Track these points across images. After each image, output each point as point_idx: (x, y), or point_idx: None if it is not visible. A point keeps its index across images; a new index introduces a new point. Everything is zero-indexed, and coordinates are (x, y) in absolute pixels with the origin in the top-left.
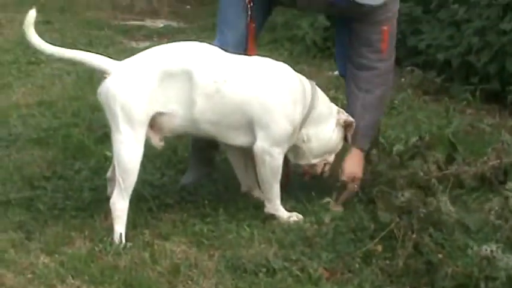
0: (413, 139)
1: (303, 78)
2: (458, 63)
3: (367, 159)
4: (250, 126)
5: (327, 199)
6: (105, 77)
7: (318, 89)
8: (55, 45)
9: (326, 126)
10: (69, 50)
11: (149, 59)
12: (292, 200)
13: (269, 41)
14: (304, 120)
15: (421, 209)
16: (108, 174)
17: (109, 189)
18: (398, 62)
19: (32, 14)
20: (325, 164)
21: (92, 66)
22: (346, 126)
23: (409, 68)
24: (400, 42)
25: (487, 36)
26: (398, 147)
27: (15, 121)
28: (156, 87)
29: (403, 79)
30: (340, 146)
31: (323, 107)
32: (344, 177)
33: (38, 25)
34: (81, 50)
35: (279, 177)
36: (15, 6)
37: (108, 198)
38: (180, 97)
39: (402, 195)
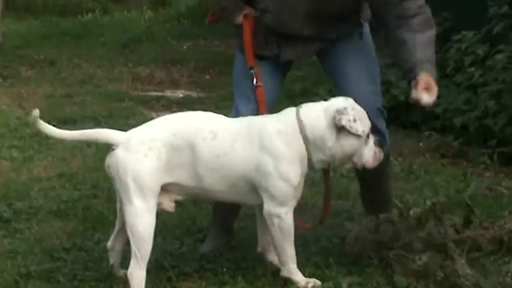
0: (428, 203)
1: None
2: (476, 127)
3: (387, 220)
4: (255, 189)
5: None
6: (113, 149)
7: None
8: (75, 119)
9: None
10: (76, 131)
11: (155, 131)
12: (311, 266)
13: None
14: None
15: (439, 272)
16: (109, 244)
17: (111, 260)
18: (416, 126)
19: (35, 114)
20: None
21: (100, 141)
22: None
23: (426, 132)
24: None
25: (503, 99)
26: (415, 210)
27: (36, 194)
28: (164, 159)
29: (421, 143)
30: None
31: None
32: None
33: (58, 98)
34: (101, 122)
35: (292, 239)
36: (36, 81)
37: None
38: (187, 169)
39: (419, 258)
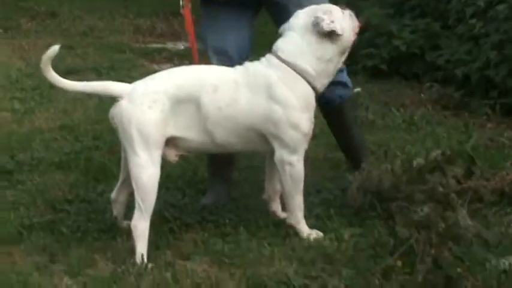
0: (433, 154)
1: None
2: (477, 77)
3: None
4: (264, 136)
5: None
6: (117, 100)
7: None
8: (78, 70)
9: None
10: (80, 83)
11: (159, 83)
12: (312, 217)
13: None
14: None
15: (440, 223)
16: (113, 195)
17: (114, 211)
18: (417, 77)
19: (54, 49)
20: None
21: (105, 93)
22: None
23: (428, 83)
24: (418, 57)
25: (505, 50)
26: (418, 161)
27: (37, 145)
28: (168, 112)
29: (422, 94)
30: None
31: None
32: None
33: (60, 50)
34: (103, 73)
35: (301, 187)
36: (37, 32)
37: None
38: (192, 123)
39: (421, 210)
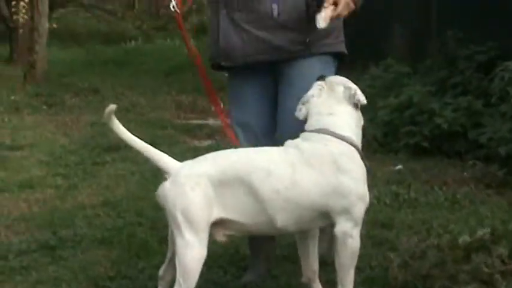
0: (480, 233)
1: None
2: None
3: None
4: (326, 213)
5: None
6: (165, 178)
7: None
8: (119, 146)
9: None
10: (141, 141)
11: (204, 166)
12: None
13: None
14: None
15: None
16: (160, 272)
17: None
18: (459, 155)
19: (111, 108)
20: None
21: (156, 163)
22: None
23: (470, 161)
24: (460, 135)
25: None
26: (464, 239)
27: (80, 221)
28: (212, 195)
29: (465, 173)
30: None
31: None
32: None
33: (102, 126)
34: None
35: (356, 262)
36: (81, 108)
37: None
38: (245, 206)
39: None
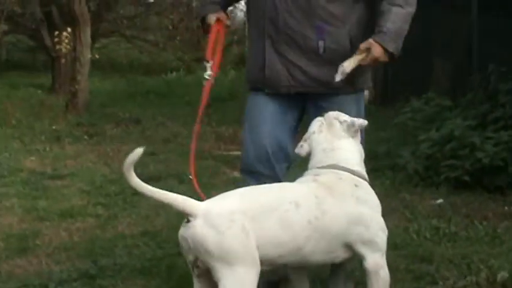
0: None
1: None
2: None
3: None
4: (350, 244)
5: None
6: (189, 220)
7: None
8: (160, 176)
9: None
10: (159, 191)
11: (233, 203)
12: None
13: (371, 169)
14: None
15: None
16: None
17: None
18: (500, 190)
19: (137, 152)
20: None
21: (177, 207)
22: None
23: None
24: (502, 170)
25: None
26: (502, 275)
27: (120, 251)
28: (247, 230)
29: (506, 207)
30: None
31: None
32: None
33: (143, 156)
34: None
35: None
36: (121, 138)
37: None
38: (275, 239)
39: None
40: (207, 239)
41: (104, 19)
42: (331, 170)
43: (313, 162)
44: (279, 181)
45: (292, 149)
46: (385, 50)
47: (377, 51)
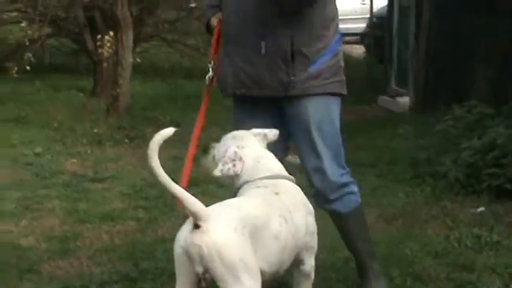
0: None
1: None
2: None
3: None
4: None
5: None
6: (197, 226)
7: None
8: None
9: None
10: (174, 185)
11: (238, 211)
12: None
13: (411, 176)
14: None
15: None
16: None
17: None
18: None
19: (167, 132)
20: None
21: (185, 207)
22: None
23: None
24: None
25: None
26: None
27: (160, 254)
28: (250, 240)
29: None
30: None
31: None
32: None
33: (183, 160)
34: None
35: None
36: (162, 142)
37: None
38: (269, 251)
39: None
40: (227, 244)
41: (145, 23)
42: (276, 180)
43: (250, 174)
44: None
45: None
46: None
47: None
